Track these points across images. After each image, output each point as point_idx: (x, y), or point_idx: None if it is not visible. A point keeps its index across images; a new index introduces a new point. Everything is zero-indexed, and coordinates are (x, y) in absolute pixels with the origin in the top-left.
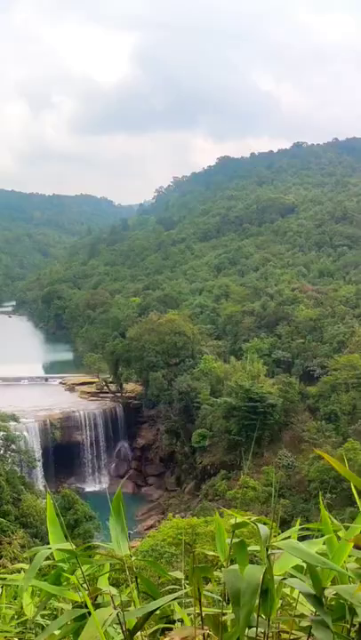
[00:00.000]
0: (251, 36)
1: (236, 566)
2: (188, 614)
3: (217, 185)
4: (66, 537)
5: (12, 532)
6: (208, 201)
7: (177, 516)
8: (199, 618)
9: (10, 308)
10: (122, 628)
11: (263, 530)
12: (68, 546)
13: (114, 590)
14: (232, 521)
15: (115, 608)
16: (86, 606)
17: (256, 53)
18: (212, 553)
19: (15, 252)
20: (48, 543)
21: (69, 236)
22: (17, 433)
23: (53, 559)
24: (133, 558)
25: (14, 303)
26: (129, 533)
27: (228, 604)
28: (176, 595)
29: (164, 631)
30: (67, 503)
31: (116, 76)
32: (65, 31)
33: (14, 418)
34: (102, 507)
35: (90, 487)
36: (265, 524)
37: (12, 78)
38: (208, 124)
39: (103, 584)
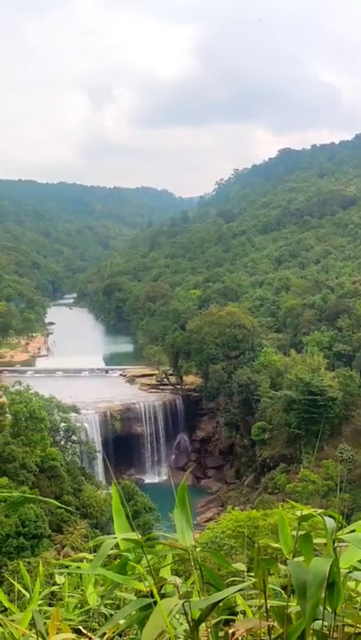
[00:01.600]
0: (311, 27)
1: (301, 559)
2: (250, 606)
3: (277, 177)
4: (131, 527)
5: (75, 522)
6: (268, 193)
7: (236, 508)
8: (263, 610)
9: (71, 300)
10: (187, 619)
11: (330, 522)
12: (134, 535)
13: (178, 580)
14: (295, 514)
15: (180, 598)
16: (152, 596)
17: (317, 44)
18: (276, 545)
19: (76, 245)
20: (108, 533)
21: (130, 228)
22: (78, 424)
23: (118, 549)
24: (198, 549)
25: (75, 295)
26: None
27: (290, 596)
28: (242, 586)
29: (226, 623)
30: (126, 494)
31: (175, 68)
32: (125, 24)
33: (75, 409)
34: (161, 498)
35: (149, 479)
36: (330, 516)
37: (74, 72)
38: (268, 116)
39: (165, 575)
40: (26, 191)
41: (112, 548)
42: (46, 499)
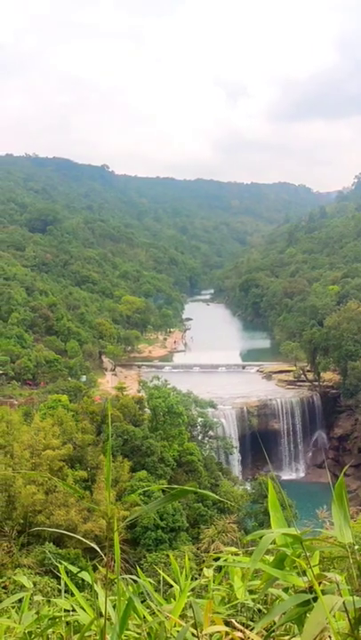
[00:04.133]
0: None
1: None
2: None
3: None
4: (288, 522)
5: (210, 517)
6: None
7: None
8: None
9: (208, 296)
10: (347, 616)
11: None
12: (293, 530)
13: (338, 577)
14: None
15: (340, 595)
16: (310, 592)
17: None
18: None
19: (213, 241)
20: (245, 529)
21: (267, 223)
22: (215, 419)
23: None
24: (356, 547)
25: (212, 291)
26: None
27: None
28: None
29: None
30: (263, 490)
31: (311, 61)
32: (261, 19)
33: (212, 405)
34: (298, 495)
35: (286, 475)
36: None
37: (212, 69)
38: None
39: (317, 572)
40: (164, 188)
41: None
42: (204, 492)
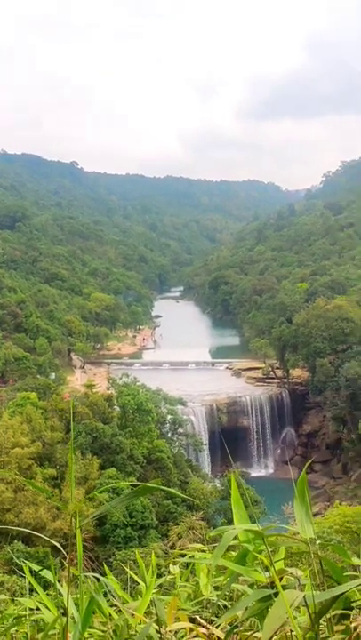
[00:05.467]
0: None
1: None
2: None
3: None
4: (255, 518)
5: (180, 514)
6: None
7: (343, 503)
8: None
9: (177, 294)
10: (308, 611)
11: None
12: (255, 527)
13: (299, 572)
14: None
15: (301, 590)
16: (271, 587)
17: None
18: None
19: (183, 238)
20: (214, 526)
21: (236, 221)
22: (184, 417)
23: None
24: (318, 542)
25: (182, 288)
26: (290, 518)
27: None
28: None
29: (341, 617)
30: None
31: (282, 61)
32: (233, 19)
33: (182, 402)
34: (267, 492)
35: (255, 472)
36: None
37: (182, 68)
38: None
39: (280, 567)
40: (133, 186)
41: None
42: (169, 489)
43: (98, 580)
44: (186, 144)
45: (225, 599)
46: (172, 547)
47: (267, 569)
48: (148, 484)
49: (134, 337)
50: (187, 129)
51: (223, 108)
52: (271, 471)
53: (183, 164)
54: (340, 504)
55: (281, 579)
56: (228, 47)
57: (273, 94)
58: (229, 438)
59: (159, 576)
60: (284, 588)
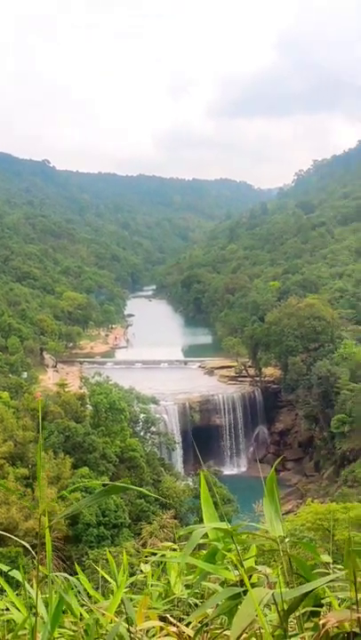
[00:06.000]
0: None
1: None
2: (336, 598)
3: (358, 167)
4: (221, 516)
5: (152, 513)
6: (349, 184)
7: (315, 501)
8: (351, 601)
9: (150, 292)
10: (277, 609)
11: None
12: (224, 525)
13: (268, 570)
14: None
15: (270, 588)
16: (241, 585)
17: None
18: None
19: (155, 237)
20: (187, 524)
21: (208, 220)
22: (157, 415)
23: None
24: (287, 540)
25: (154, 287)
26: (261, 515)
27: None
28: (334, 576)
29: (311, 614)
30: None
31: (253, 59)
32: (203, 17)
33: (154, 400)
34: (240, 490)
35: (228, 470)
36: None
37: (154, 65)
38: (348, 106)
39: (250, 564)
40: (106, 184)
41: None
42: (138, 487)
43: (68, 579)
44: (158, 143)
45: (196, 597)
46: (144, 545)
47: (237, 567)
48: (117, 484)
49: (107, 336)
50: (159, 128)
51: (195, 107)
52: (244, 469)
53: (156, 162)
54: (312, 501)
55: (250, 577)
56: (200, 46)
57: (244, 93)
58: (202, 437)
59: (132, 575)
60: (254, 585)
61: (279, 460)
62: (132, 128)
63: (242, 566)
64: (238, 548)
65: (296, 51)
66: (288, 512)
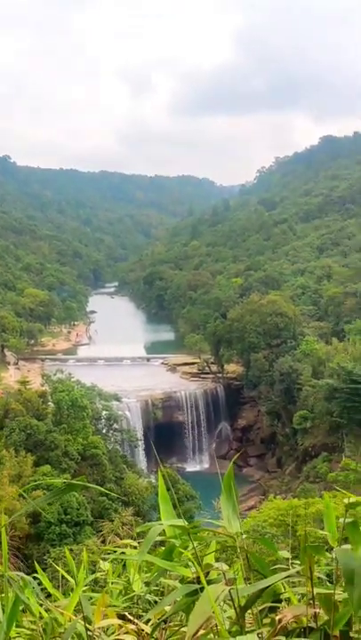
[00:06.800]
0: (352, 14)
1: (348, 546)
2: (295, 594)
3: (319, 165)
4: (178, 514)
5: (115, 511)
6: (310, 181)
7: (278, 497)
8: (308, 597)
9: (112, 289)
10: (233, 605)
11: None
12: (181, 522)
13: (225, 566)
14: (338, 503)
15: (226, 584)
16: (198, 582)
17: (358, 31)
18: (323, 532)
19: (117, 233)
20: (150, 521)
21: (171, 216)
22: (119, 412)
23: (164, 535)
24: (244, 536)
25: (116, 284)
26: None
27: (336, 584)
28: (290, 572)
29: (270, 610)
30: (167, 482)
31: (215, 57)
32: (165, 14)
33: (117, 397)
34: (203, 487)
35: (191, 467)
36: None
37: (115, 62)
38: (310, 104)
39: (209, 561)
40: (67, 180)
41: (158, 535)
42: (92, 485)
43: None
44: (120, 139)
45: (157, 595)
46: (104, 542)
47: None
48: (74, 481)
49: (69, 333)
50: (121, 124)
51: (157, 104)
52: (207, 466)
53: (118, 159)
54: (274, 497)
55: (208, 573)
56: (162, 42)
57: (207, 91)
58: (165, 434)
59: (93, 573)
60: (211, 582)
61: (236, 456)
62: (94, 125)
63: (198, 563)
64: (196, 544)
65: (258, 49)
66: (251, 508)
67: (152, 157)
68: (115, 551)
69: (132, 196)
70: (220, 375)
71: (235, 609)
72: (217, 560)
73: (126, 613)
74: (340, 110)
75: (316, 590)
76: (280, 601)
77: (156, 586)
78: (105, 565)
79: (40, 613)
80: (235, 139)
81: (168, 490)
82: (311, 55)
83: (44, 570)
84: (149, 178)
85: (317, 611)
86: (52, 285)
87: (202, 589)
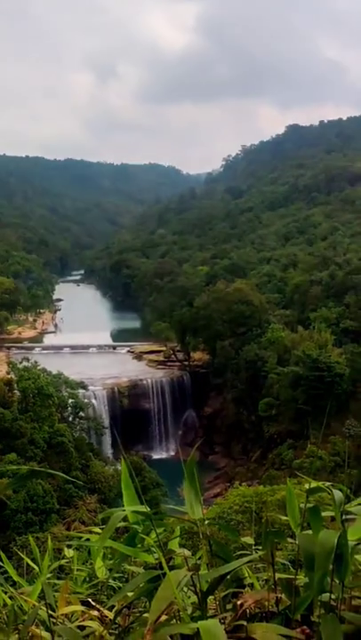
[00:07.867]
0: (317, 2)
1: (310, 531)
2: (258, 579)
3: (285, 153)
4: (140, 500)
5: (81, 498)
6: (276, 169)
7: (243, 484)
8: (271, 582)
9: (79, 277)
10: (195, 591)
11: (338, 495)
12: (143, 508)
13: (187, 552)
14: (303, 489)
15: (188, 570)
16: (160, 568)
17: (322, 19)
18: (284, 518)
19: (84, 222)
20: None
21: (137, 205)
22: (85, 400)
23: (127, 521)
24: (207, 522)
25: (83, 272)
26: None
27: (297, 569)
28: (250, 558)
29: (233, 595)
30: (134, 470)
31: (181, 45)
32: (130, 1)
33: (83, 385)
34: (169, 474)
35: (157, 455)
36: (338, 490)
37: (81, 48)
38: (275, 92)
39: (173, 548)
40: (33, 167)
41: (121, 521)
42: (55, 472)
43: None
44: (86, 127)
45: (122, 582)
46: (69, 529)
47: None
48: (38, 468)
49: (35, 321)
50: (87, 112)
51: (123, 91)
52: (173, 453)
53: (84, 146)
54: (240, 484)
55: (171, 559)
56: (128, 30)
57: (172, 78)
58: (131, 421)
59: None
60: (174, 568)
61: (199, 442)
62: (60, 111)
63: (161, 549)
64: (160, 531)
65: (223, 36)
66: (217, 495)
67: (118, 145)
68: (79, 538)
69: (99, 184)
70: (186, 363)
71: (196, 594)
72: (183, 547)
73: (90, 600)
74: (307, 99)
75: (277, 575)
76: (244, 587)
77: (122, 573)
78: (70, 552)
79: (4, 601)
80: (201, 126)
81: (132, 477)
82: (275, 44)
83: (9, 558)
84: (115, 166)
85: (279, 595)
86: (17, 273)
87: (164, 575)
